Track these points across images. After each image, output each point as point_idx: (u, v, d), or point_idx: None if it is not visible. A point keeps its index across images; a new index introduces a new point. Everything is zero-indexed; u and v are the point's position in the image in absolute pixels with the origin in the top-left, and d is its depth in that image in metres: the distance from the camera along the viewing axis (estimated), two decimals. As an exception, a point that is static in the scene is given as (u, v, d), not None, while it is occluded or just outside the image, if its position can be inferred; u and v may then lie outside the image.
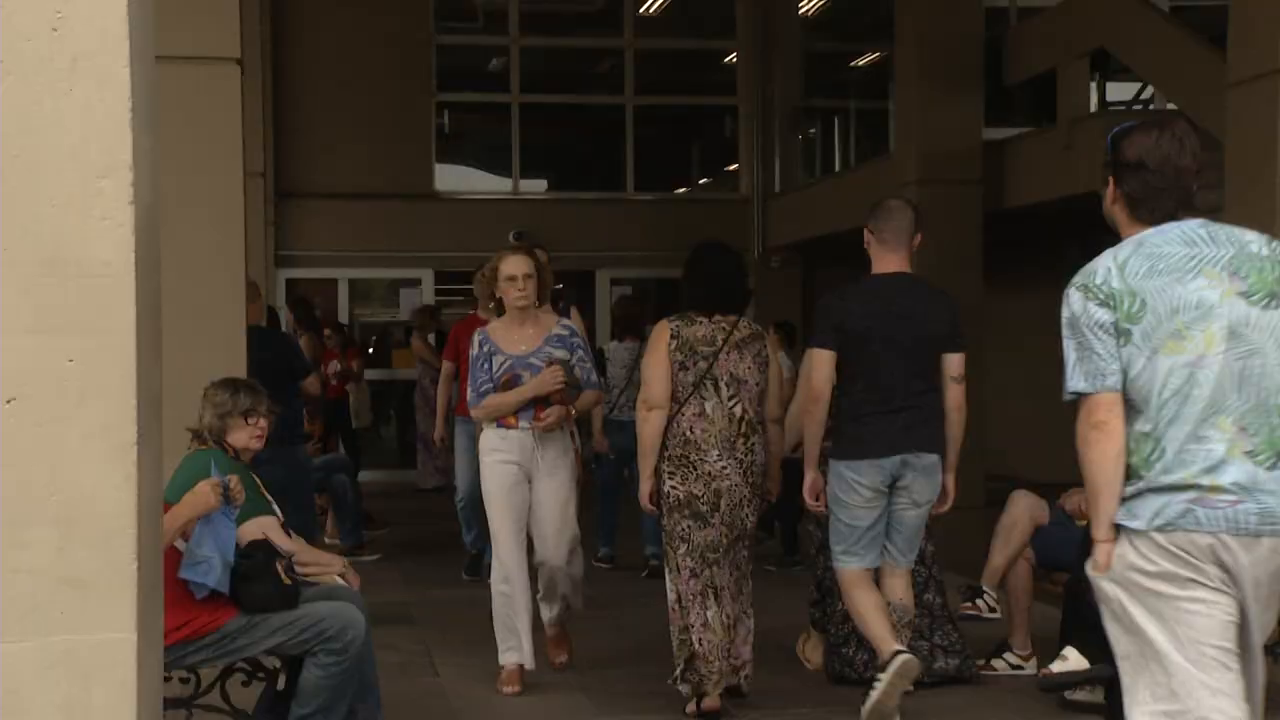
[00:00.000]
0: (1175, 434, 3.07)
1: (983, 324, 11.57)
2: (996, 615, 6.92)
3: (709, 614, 5.29)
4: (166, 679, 4.01)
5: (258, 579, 4.30)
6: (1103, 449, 3.11)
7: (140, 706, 2.70)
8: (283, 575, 4.34)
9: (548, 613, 6.12)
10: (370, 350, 15.77)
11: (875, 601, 5.17)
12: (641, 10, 16.12)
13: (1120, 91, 13.23)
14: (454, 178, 16.09)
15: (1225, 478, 3.04)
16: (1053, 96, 11.54)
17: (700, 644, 5.28)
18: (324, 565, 4.89)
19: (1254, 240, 3.21)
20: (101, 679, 2.66)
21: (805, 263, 15.77)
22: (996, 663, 6.05)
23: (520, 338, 5.85)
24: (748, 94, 16.15)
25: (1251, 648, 3.12)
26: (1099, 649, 4.44)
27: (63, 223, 2.63)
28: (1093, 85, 12.11)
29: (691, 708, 5.34)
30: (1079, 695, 5.38)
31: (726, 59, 16.60)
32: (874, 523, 5.21)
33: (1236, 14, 7.78)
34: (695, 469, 5.32)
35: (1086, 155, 10.54)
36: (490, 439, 5.87)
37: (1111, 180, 3.30)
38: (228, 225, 5.77)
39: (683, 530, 5.33)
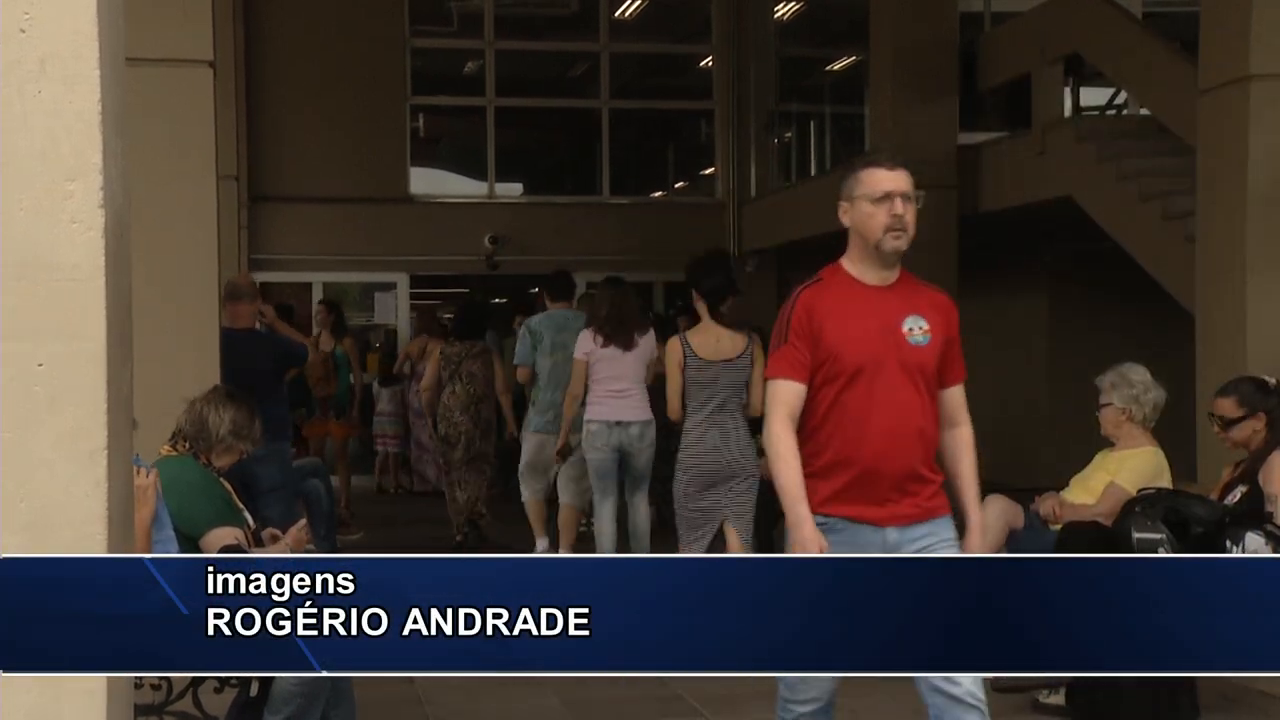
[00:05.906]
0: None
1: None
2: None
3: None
4: (137, 686, 3.98)
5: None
6: None
7: (110, 715, 2.67)
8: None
9: None
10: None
11: None
12: (616, 14, 16.11)
13: (1094, 97, 13.29)
14: (429, 181, 16.04)
15: None
16: (1027, 101, 11.59)
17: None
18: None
19: None
20: (70, 687, 2.63)
21: (780, 266, 15.80)
22: (971, 666, 6.05)
23: None
24: (723, 98, 16.16)
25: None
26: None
27: (32, 226, 2.61)
28: (1066, 90, 12.16)
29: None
30: (1051, 699, 5.39)
31: (702, 63, 16.61)
32: None
33: (1207, 21, 7.83)
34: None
35: (1060, 160, 10.58)
36: None
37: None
38: (200, 229, 5.76)
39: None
